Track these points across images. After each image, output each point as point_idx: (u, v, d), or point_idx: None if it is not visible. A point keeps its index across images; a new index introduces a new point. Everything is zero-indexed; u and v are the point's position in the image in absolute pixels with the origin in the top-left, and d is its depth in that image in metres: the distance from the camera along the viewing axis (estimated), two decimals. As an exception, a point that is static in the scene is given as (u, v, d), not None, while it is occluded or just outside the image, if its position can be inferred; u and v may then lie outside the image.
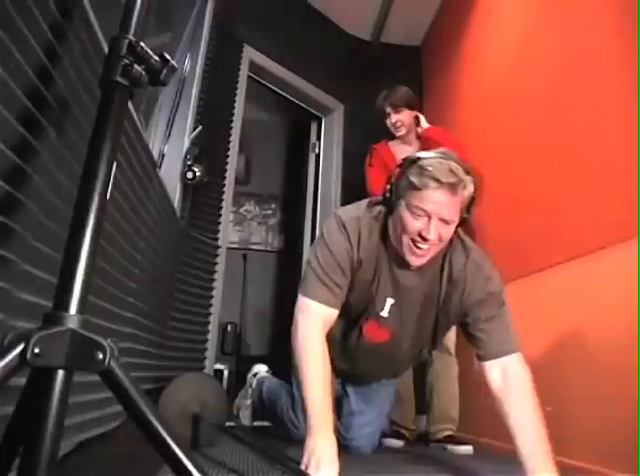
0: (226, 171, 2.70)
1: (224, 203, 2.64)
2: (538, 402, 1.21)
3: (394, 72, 3.60)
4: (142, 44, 0.64)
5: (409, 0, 3.39)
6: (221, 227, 2.61)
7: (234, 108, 2.80)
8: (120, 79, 0.63)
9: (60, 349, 0.52)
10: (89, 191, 0.59)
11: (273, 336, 4.14)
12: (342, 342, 1.53)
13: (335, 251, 1.32)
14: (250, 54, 2.96)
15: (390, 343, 1.47)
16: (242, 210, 4.49)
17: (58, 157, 0.80)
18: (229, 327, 3.81)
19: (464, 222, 1.28)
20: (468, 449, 1.99)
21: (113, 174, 0.61)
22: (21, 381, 0.55)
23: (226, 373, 3.26)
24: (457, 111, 3.12)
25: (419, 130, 2.45)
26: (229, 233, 3.41)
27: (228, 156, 2.73)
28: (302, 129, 3.76)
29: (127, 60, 0.63)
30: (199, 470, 0.55)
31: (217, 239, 2.57)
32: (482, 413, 2.19)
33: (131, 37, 0.64)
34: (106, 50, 0.66)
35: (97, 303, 1.05)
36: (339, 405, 1.82)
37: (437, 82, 3.48)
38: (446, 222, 1.22)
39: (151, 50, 0.65)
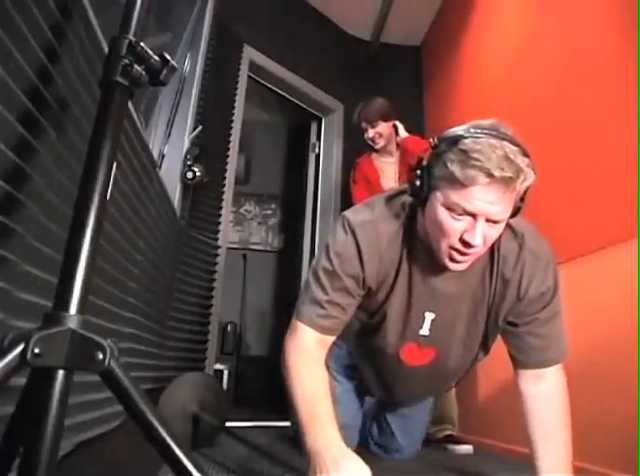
0: (226, 171, 2.70)
1: (224, 203, 2.64)
2: (569, 419, 1.10)
3: (394, 72, 3.61)
4: (142, 44, 0.64)
5: (409, 0, 3.39)
6: (221, 227, 2.61)
7: (234, 108, 2.80)
8: (120, 79, 0.63)
9: (60, 349, 0.52)
10: (89, 191, 0.59)
11: (273, 336, 4.14)
12: (375, 370, 1.35)
13: (339, 265, 1.06)
14: (250, 54, 2.95)
15: (436, 363, 1.23)
16: (242, 210, 4.49)
17: (58, 157, 0.80)
18: (229, 327, 3.81)
19: (516, 214, 0.99)
20: (468, 449, 1.99)
21: (113, 174, 0.61)
22: (21, 381, 0.55)
23: (226, 373, 3.25)
24: (457, 111, 3.12)
25: (398, 139, 2.48)
26: (229, 233, 3.41)
27: (228, 156, 2.73)
28: (302, 129, 3.76)
29: (127, 60, 0.63)
30: (199, 470, 0.55)
31: (217, 239, 2.57)
32: (482, 412, 2.19)
33: (131, 37, 0.64)
34: (106, 50, 0.66)
35: (97, 303, 1.05)
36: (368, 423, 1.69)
37: (437, 82, 3.48)
38: (495, 222, 0.95)
39: (151, 50, 0.65)
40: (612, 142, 1.66)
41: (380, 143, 2.47)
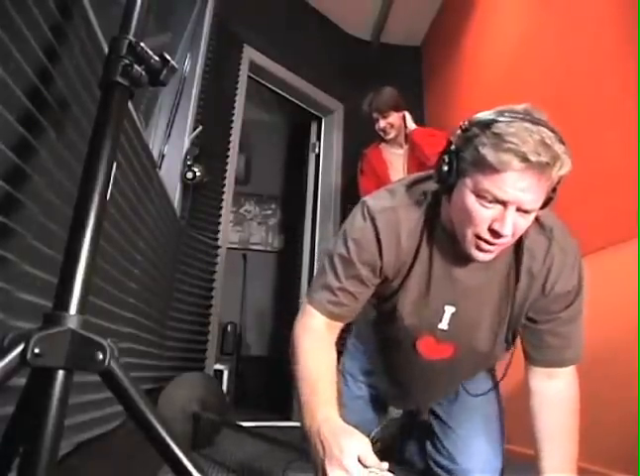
0: (226, 171, 2.70)
1: (224, 203, 2.64)
2: (578, 421, 1.07)
3: (394, 72, 3.61)
4: (142, 44, 0.64)
5: (409, 0, 3.39)
6: (221, 227, 2.61)
7: (234, 108, 2.81)
8: (120, 79, 0.63)
9: (60, 349, 0.52)
10: (89, 191, 0.59)
11: (273, 336, 4.14)
12: (390, 364, 1.29)
13: (356, 253, 1.01)
14: (250, 54, 2.96)
15: (454, 358, 1.16)
16: (242, 210, 4.49)
17: (58, 157, 0.80)
18: (229, 327, 3.81)
19: (547, 205, 0.92)
20: None
21: (113, 174, 0.61)
22: (21, 381, 0.55)
23: (226, 373, 3.25)
24: (457, 111, 3.12)
25: (407, 130, 2.44)
26: (229, 233, 3.41)
27: (228, 156, 2.73)
28: (302, 129, 3.76)
29: (127, 61, 0.63)
30: (199, 470, 0.55)
31: (217, 239, 2.57)
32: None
33: (131, 37, 0.64)
34: (106, 50, 0.66)
35: (97, 303, 1.05)
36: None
37: (437, 82, 3.48)
38: (526, 212, 0.89)
39: (151, 50, 0.65)
40: (612, 142, 1.66)
41: (391, 134, 2.43)
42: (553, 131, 0.83)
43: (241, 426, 1.94)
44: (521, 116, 0.84)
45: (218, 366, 2.96)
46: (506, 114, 0.85)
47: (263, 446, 1.81)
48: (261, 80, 3.18)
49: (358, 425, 1.27)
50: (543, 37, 2.18)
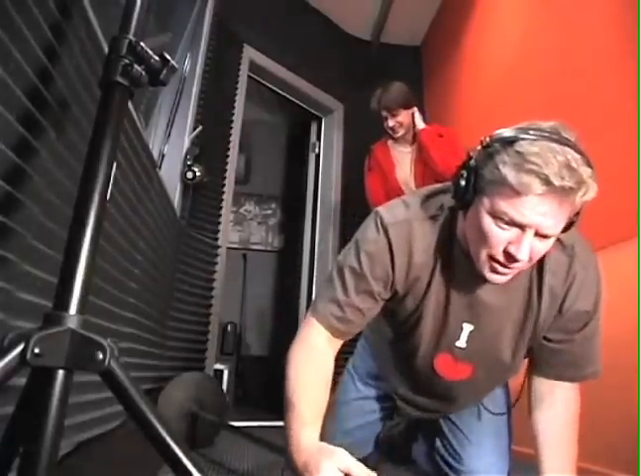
0: (226, 171, 2.70)
1: (224, 203, 2.64)
2: (577, 430, 1.06)
3: (394, 72, 3.61)
4: (142, 44, 0.64)
5: (409, 0, 3.39)
6: (221, 227, 2.61)
7: (234, 108, 2.81)
8: (120, 79, 0.63)
9: (60, 349, 0.52)
10: (89, 191, 0.59)
11: (273, 336, 4.14)
12: (403, 377, 1.26)
13: (368, 267, 0.98)
14: (250, 54, 2.96)
15: (473, 378, 1.13)
16: (242, 210, 4.49)
17: (58, 157, 0.80)
18: (229, 327, 3.81)
19: (568, 229, 0.88)
20: None
21: (113, 174, 0.61)
22: (21, 381, 0.55)
23: (226, 373, 3.25)
24: (457, 111, 3.12)
25: (415, 129, 2.36)
26: (229, 233, 3.41)
27: (228, 156, 2.73)
28: (302, 129, 3.76)
29: (127, 60, 0.63)
30: (199, 470, 0.55)
31: (217, 239, 2.57)
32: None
33: (131, 37, 0.64)
34: (106, 50, 0.66)
35: (97, 303, 1.05)
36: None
37: (437, 82, 3.48)
38: (545, 237, 0.84)
39: (151, 50, 0.65)
40: (613, 141, 1.66)
41: (400, 132, 2.35)
42: (580, 153, 0.78)
43: (234, 427, 1.94)
44: (547, 134, 0.79)
45: (218, 366, 2.96)
46: (531, 131, 0.80)
47: (262, 446, 1.81)
48: (261, 80, 3.18)
49: (351, 432, 1.25)
50: (543, 37, 2.18)
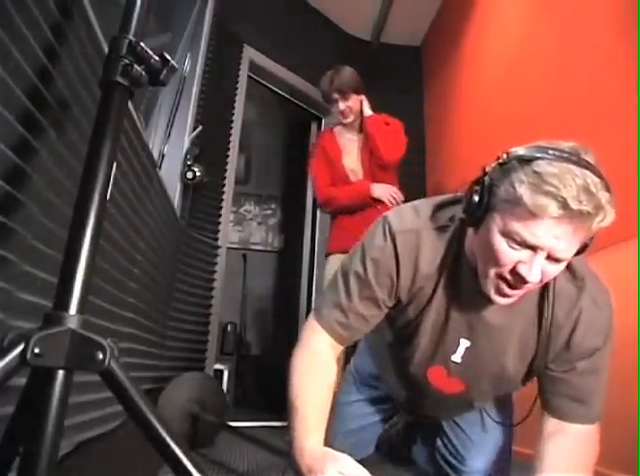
0: (226, 171, 2.70)
1: (224, 203, 2.64)
2: None
3: (394, 72, 3.61)
4: (142, 44, 0.64)
5: (409, 0, 3.39)
6: (221, 227, 2.61)
7: (234, 108, 2.81)
8: (120, 79, 0.63)
9: (60, 349, 0.52)
10: (89, 191, 0.59)
11: (273, 336, 4.14)
12: (399, 379, 1.26)
13: (373, 274, 0.97)
14: (250, 54, 2.96)
15: (465, 393, 1.13)
16: (242, 210, 4.49)
17: (58, 157, 0.80)
18: (229, 327, 3.81)
19: (582, 252, 0.85)
20: None
21: (113, 174, 0.61)
22: (21, 381, 0.55)
23: (226, 373, 3.25)
24: (457, 111, 3.12)
25: (363, 117, 2.31)
26: (229, 233, 3.41)
27: (228, 156, 2.73)
28: (302, 129, 3.76)
29: (127, 60, 0.63)
30: (199, 470, 0.55)
31: (217, 239, 2.58)
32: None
33: (131, 37, 0.64)
34: (106, 50, 0.66)
35: (97, 303, 1.05)
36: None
37: (437, 82, 3.48)
38: (557, 260, 0.82)
39: (151, 50, 0.65)
40: (612, 141, 1.65)
41: (350, 118, 2.31)
42: (600, 176, 0.76)
43: (233, 428, 1.94)
44: (566, 155, 0.76)
45: (218, 366, 2.96)
46: (550, 151, 0.77)
47: (262, 446, 1.81)
48: (261, 80, 3.18)
49: (353, 432, 1.25)
50: (543, 37, 2.18)
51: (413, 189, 3.43)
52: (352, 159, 2.38)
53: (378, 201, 2.27)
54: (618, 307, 1.52)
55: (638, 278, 1.42)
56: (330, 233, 2.44)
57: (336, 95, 2.26)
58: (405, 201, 1.98)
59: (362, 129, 2.35)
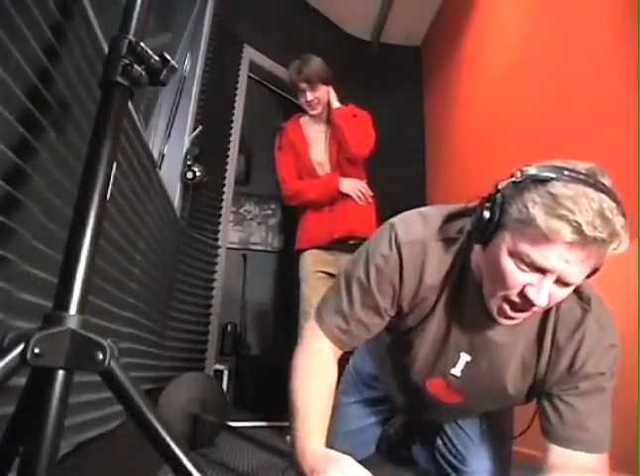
0: (226, 171, 2.70)
1: (224, 203, 2.65)
2: None
3: (394, 72, 3.62)
4: (142, 44, 0.64)
5: (409, 0, 3.39)
6: (221, 227, 2.61)
7: (234, 108, 2.81)
8: (120, 79, 0.63)
9: (60, 349, 0.52)
10: (89, 191, 0.59)
11: (273, 336, 4.14)
12: (396, 382, 1.25)
13: (376, 282, 0.95)
14: (250, 54, 2.96)
15: (464, 404, 1.11)
16: (242, 210, 4.48)
17: (58, 157, 0.79)
18: (229, 327, 3.80)
19: (592, 275, 0.83)
20: None
21: (113, 174, 0.61)
22: (21, 381, 0.55)
23: (226, 373, 3.25)
24: (457, 111, 3.12)
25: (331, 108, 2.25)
26: (229, 233, 3.41)
27: (228, 156, 2.73)
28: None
29: (127, 60, 0.63)
30: (199, 470, 0.55)
31: (217, 239, 2.58)
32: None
33: (131, 37, 0.64)
34: (106, 50, 0.66)
35: (97, 303, 1.05)
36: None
37: (437, 82, 3.48)
38: (566, 285, 0.80)
39: (151, 50, 0.65)
40: (612, 142, 1.66)
41: (318, 109, 2.24)
42: (616, 201, 0.74)
43: (233, 428, 1.94)
44: (583, 178, 0.74)
45: (218, 366, 2.96)
46: (566, 173, 0.74)
47: (262, 446, 1.81)
48: (261, 80, 3.18)
49: (353, 433, 1.24)
50: (543, 37, 2.18)
51: (413, 189, 3.44)
52: (319, 151, 2.32)
53: (347, 196, 2.21)
54: (618, 308, 1.52)
55: (638, 278, 1.41)
56: (300, 228, 2.36)
57: (303, 85, 2.20)
58: (394, 200, 1.98)
59: (329, 121, 2.28)
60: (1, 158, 0.64)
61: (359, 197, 2.21)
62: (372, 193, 2.27)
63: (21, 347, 0.50)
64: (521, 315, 0.85)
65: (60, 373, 0.53)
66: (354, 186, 2.22)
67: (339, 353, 1.04)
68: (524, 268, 0.79)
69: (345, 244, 2.16)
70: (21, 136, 0.68)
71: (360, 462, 0.86)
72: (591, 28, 1.83)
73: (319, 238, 2.23)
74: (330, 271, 2.21)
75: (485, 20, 2.86)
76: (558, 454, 0.94)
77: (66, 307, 0.55)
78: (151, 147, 1.67)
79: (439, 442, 1.39)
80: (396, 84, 3.53)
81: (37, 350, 0.50)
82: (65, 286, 0.55)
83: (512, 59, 2.45)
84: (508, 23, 2.56)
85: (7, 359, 0.49)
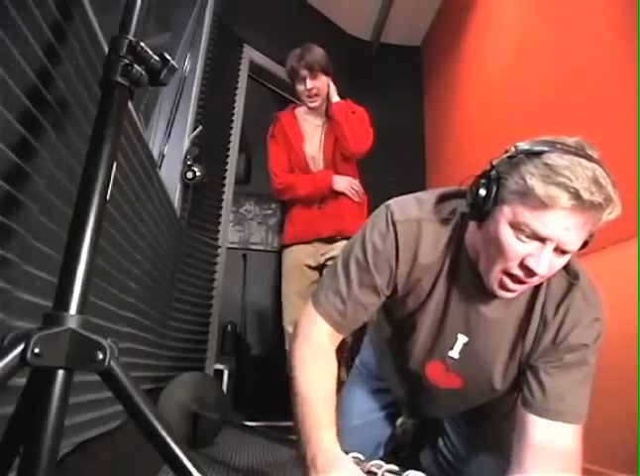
0: (226, 171, 2.70)
1: (224, 203, 2.65)
2: None
3: (394, 72, 3.62)
4: (142, 44, 0.64)
5: (409, 0, 3.39)
6: (221, 227, 2.61)
7: (234, 108, 2.81)
8: (120, 79, 0.63)
9: (60, 349, 0.52)
10: (89, 191, 0.59)
11: (274, 336, 4.14)
12: (398, 375, 1.25)
13: (373, 260, 0.97)
14: (250, 54, 2.96)
15: (464, 389, 1.11)
16: (242, 210, 4.48)
17: (58, 157, 0.80)
18: (229, 327, 3.81)
19: (583, 247, 0.86)
20: None
21: (113, 174, 0.61)
22: (21, 381, 0.55)
23: (226, 373, 3.25)
24: (457, 111, 3.12)
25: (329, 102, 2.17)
26: (229, 233, 3.41)
27: (228, 156, 2.73)
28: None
29: (127, 60, 0.63)
30: (199, 470, 0.55)
31: (217, 239, 2.58)
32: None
33: (131, 37, 0.64)
34: (106, 50, 0.66)
35: (97, 303, 1.05)
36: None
37: (437, 82, 3.48)
38: (564, 252, 0.83)
39: (151, 50, 0.66)
40: (612, 142, 1.65)
41: (317, 102, 2.15)
42: (606, 172, 0.78)
43: (244, 425, 1.94)
44: (574, 150, 0.78)
45: (218, 366, 2.96)
46: (558, 146, 0.78)
47: (263, 446, 1.81)
48: (261, 80, 3.18)
49: (357, 426, 1.22)
50: (543, 37, 2.18)
51: (413, 189, 3.44)
52: (314, 146, 2.23)
53: (339, 194, 2.15)
54: (618, 307, 1.53)
55: (638, 278, 1.42)
56: (287, 223, 2.30)
57: (305, 72, 2.10)
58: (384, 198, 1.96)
59: (327, 115, 2.21)
60: (1, 158, 0.64)
61: (352, 195, 2.16)
62: (363, 191, 2.21)
63: (21, 347, 0.50)
64: (522, 287, 0.88)
65: (60, 373, 0.53)
66: (347, 184, 2.16)
67: (338, 340, 1.03)
68: (524, 238, 0.81)
69: (330, 240, 2.12)
70: (21, 136, 0.68)
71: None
72: (591, 28, 1.83)
73: (306, 235, 2.17)
74: (310, 263, 2.16)
75: (486, 20, 2.86)
76: (537, 425, 0.94)
77: (66, 307, 0.55)
78: (151, 147, 1.67)
79: (440, 443, 1.39)
80: (396, 84, 3.53)
81: (37, 350, 0.50)
82: (65, 286, 0.55)
83: (512, 59, 2.45)
84: (508, 23, 2.56)
85: (7, 359, 0.49)
